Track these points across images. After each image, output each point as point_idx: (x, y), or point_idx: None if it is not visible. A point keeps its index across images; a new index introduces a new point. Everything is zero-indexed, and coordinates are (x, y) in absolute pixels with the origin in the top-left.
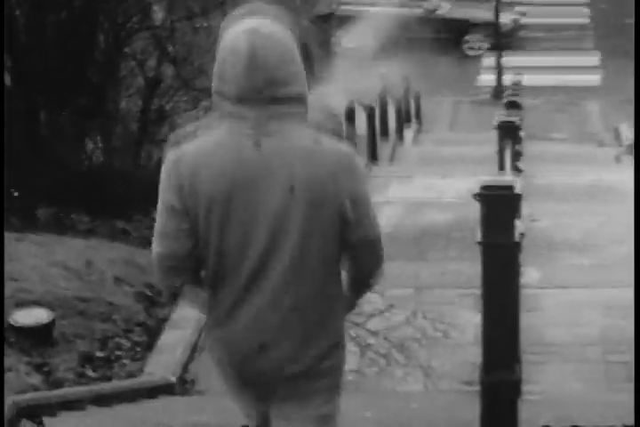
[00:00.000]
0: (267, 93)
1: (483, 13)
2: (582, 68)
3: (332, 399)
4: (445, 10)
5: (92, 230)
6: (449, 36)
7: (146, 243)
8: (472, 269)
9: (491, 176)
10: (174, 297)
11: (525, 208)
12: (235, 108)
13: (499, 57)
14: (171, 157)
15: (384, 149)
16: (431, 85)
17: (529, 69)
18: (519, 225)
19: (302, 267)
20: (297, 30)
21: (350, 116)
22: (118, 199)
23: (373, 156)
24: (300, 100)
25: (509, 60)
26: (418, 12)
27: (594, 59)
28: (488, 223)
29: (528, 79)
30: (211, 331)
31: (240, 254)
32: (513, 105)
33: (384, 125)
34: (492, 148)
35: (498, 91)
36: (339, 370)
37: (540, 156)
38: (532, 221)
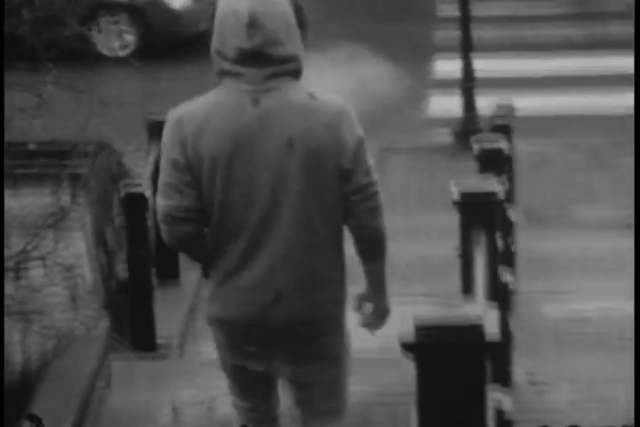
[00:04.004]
0: (265, 53)
1: None
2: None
3: (341, 341)
4: None
5: None
6: None
7: None
8: None
9: (442, 303)
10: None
11: (522, 364)
12: (234, 67)
13: (466, 54)
14: (173, 115)
15: None
16: None
17: (531, 81)
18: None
19: (306, 219)
20: None
21: None
22: None
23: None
24: (295, 59)
25: (486, 68)
26: None
27: None
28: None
29: (528, 102)
30: (219, 288)
31: (244, 211)
32: (493, 156)
33: None
34: (450, 244)
35: (467, 126)
36: (343, 313)
37: (553, 259)
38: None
